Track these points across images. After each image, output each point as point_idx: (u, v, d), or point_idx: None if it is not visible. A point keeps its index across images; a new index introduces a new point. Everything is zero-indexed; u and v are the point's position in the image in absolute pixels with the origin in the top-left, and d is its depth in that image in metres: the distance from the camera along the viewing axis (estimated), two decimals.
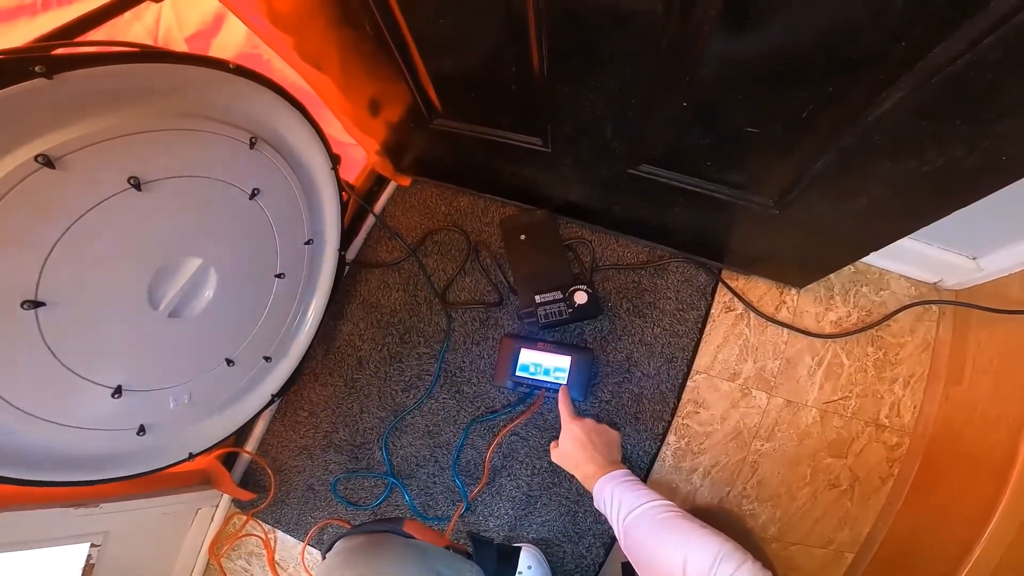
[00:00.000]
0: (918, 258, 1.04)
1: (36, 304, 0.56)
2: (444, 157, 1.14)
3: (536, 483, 1.05)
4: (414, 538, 0.59)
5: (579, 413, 0.91)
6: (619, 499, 0.71)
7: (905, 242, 0.83)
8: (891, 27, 0.47)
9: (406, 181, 1.27)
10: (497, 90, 0.82)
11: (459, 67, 0.81)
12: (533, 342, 1.04)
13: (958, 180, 0.60)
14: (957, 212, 0.66)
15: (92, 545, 0.85)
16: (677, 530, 0.63)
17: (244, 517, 1.11)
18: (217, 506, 1.11)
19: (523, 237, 1.13)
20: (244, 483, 1.13)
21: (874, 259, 1.10)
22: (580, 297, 1.04)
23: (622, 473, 0.76)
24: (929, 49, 0.47)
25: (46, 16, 0.79)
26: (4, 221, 0.51)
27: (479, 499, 1.05)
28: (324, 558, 0.57)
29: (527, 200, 1.17)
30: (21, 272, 0.54)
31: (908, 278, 1.11)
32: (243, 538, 1.12)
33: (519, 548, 0.73)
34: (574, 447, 0.84)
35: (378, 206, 1.26)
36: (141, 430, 0.76)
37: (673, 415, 1.06)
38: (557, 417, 0.92)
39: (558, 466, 0.89)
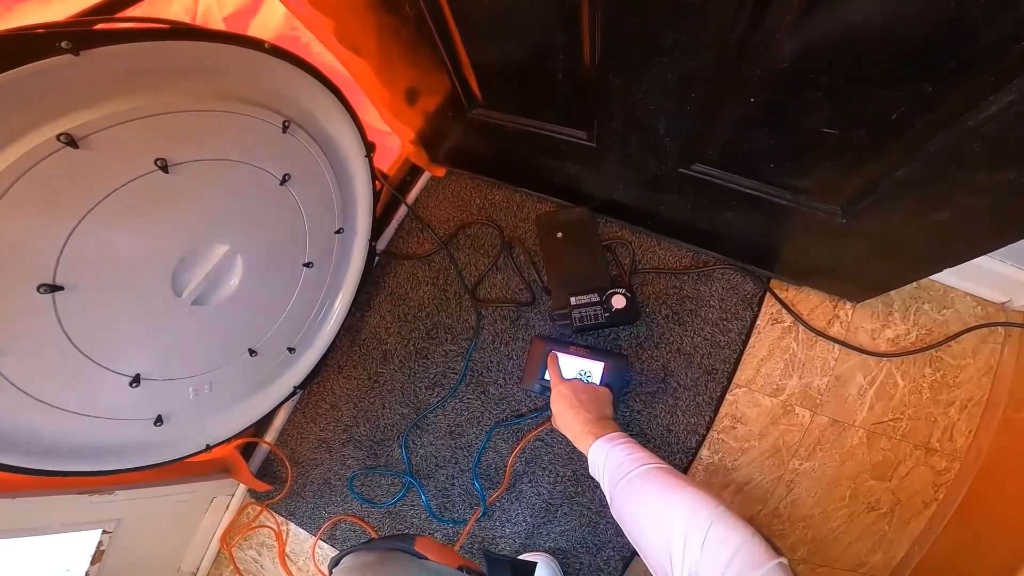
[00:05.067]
0: (988, 276, 0.97)
1: (54, 288, 0.53)
2: (481, 148, 1.10)
3: (558, 491, 1.01)
4: (426, 558, 0.56)
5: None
6: (613, 462, 0.68)
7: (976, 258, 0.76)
8: (1013, 24, 0.41)
9: (440, 172, 1.23)
10: (542, 80, 0.78)
11: (503, 54, 0.78)
12: (565, 345, 0.99)
13: None
14: None
15: (104, 532, 0.84)
16: (672, 490, 0.60)
17: (258, 508, 1.10)
18: (233, 496, 1.09)
19: (560, 235, 1.08)
20: (261, 474, 1.11)
21: (940, 275, 1.03)
22: (618, 301, 0.99)
23: (617, 435, 0.72)
24: None
25: None
26: (22, 202, 0.49)
27: (497, 504, 1.02)
28: (331, 573, 0.54)
29: (566, 197, 1.13)
30: (39, 255, 0.52)
31: (975, 296, 1.04)
32: (256, 529, 1.11)
33: (535, 564, 0.71)
34: (562, 406, 0.83)
35: (411, 196, 1.23)
36: (159, 420, 0.74)
37: (708, 429, 1.01)
38: None
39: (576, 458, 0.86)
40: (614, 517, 0.66)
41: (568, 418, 0.80)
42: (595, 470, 0.72)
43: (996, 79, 0.46)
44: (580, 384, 0.86)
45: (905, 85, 0.50)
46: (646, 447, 0.70)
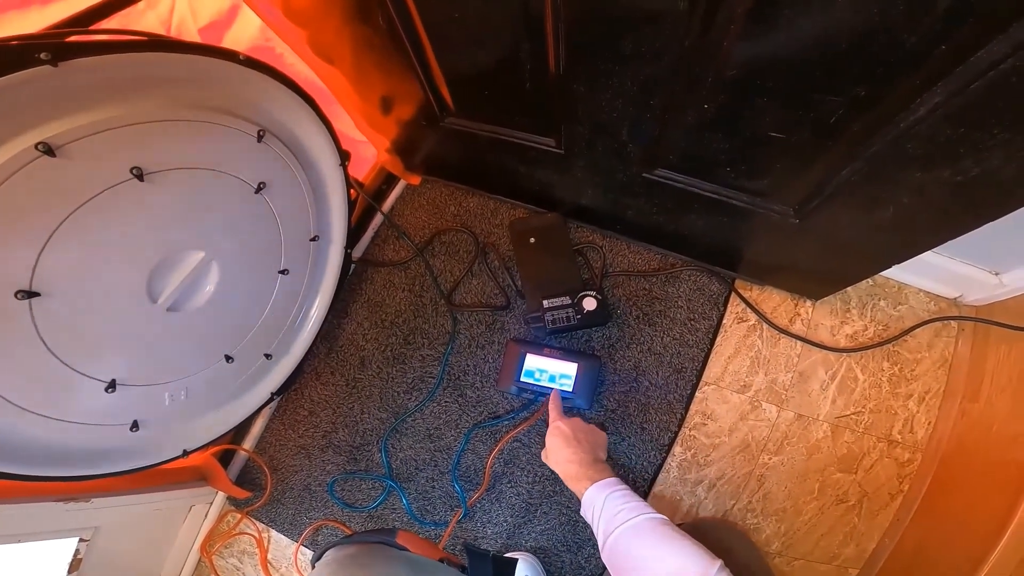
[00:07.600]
0: (939, 272, 1.02)
1: (30, 294, 0.54)
2: (455, 156, 1.12)
3: (537, 491, 1.03)
4: (407, 550, 0.57)
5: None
6: (611, 509, 0.67)
7: (926, 255, 0.81)
8: (932, 29, 0.45)
9: (416, 180, 1.25)
10: (511, 89, 0.81)
11: (473, 64, 0.80)
12: (539, 348, 1.02)
13: (993, 191, 0.58)
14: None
15: (80, 540, 0.84)
16: (668, 542, 0.60)
17: (238, 515, 1.09)
18: (212, 503, 1.09)
19: (533, 240, 1.11)
20: (240, 481, 1.11)
21: (893, 272, 1.08)
22: (589, 303, 1.01)
23: (614, 481, 0.72)
24: (971, 53, 0.45)
25: (59, 4, 0.77)
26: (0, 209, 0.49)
27: (478, 505, 1.03)
28: (313, 567, 0.55)
29: (538, 202, 1.16)
30: (16, 261, 0.53)
31: (928, 292, 1.08)
32: (236, 536, 1.10)
33: (515, 560, 0.71)
34: (558, 444, 0.80)
35: (386, 204, 1.25)
36: (135, 426, 0.74)
37: (680, 426, 1.04)
38: None
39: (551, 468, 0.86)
40: (604, 561, 0.65)
41: (563, 456, 0.78)
42: (588, 513, 0.71)
43: (922, 82, 0.50)
44: (580, 423, 0.83)
45: (841, 89, 0.54)
46: (634, 490, 0.70)
